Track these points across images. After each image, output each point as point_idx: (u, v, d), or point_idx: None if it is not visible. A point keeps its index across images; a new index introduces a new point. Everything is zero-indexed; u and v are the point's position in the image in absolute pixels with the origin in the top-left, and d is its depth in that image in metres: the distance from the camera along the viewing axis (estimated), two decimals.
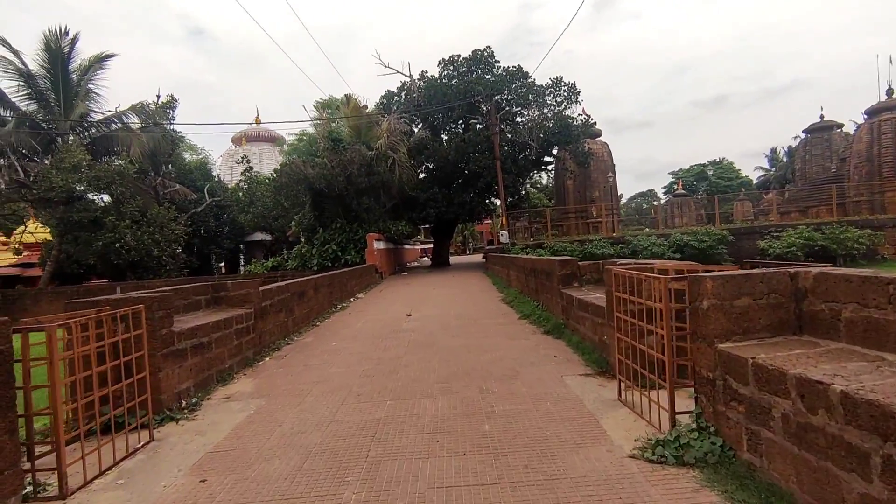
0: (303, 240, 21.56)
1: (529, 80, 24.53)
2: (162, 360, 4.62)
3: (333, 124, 21.76)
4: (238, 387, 5.52)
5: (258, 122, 42.35)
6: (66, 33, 23.34)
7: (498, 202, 30.03)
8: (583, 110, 24.29)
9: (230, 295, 6.87)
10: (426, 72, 26.18)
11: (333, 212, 20.64)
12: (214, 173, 34.89)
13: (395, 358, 6.30)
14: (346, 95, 21.78)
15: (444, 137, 25.49)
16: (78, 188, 19.56)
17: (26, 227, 26.55)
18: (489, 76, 24.46)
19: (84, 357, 3.63)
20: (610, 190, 33.07)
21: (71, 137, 24.32)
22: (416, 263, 36.33)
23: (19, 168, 19.92)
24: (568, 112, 23.65)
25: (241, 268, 29.23)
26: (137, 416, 4.00)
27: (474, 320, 8.88)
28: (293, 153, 24.04)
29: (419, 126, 24.78)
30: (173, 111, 29.11)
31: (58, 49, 23.25)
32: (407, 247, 34.71)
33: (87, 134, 24.79)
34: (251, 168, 27.52)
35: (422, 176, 26.18)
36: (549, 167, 30.80)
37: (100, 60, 24.50)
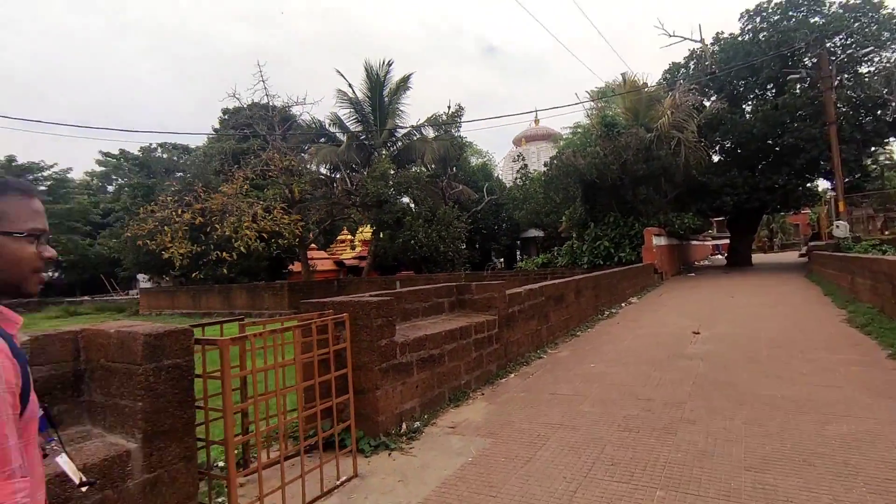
0: (573, 235, 20.40)
1: (886, 12, 17.62)
2: (380, 375, 4.03)
3: (608, 111, 19.85)
4: (469, 412, 4.64)
5: (537, 123, 43.14)
6: (390, 64, 27.76)
7: (826, 184, 22.95)
8: None
9: (474, 298, 6.14)
10: (721, 33, 21.68)
11: (606, 205, 18.83)
12: (496, 174, 36.93)
13: (674, 403, 4.48)
14: (622, 74, 19.64)
15: (747, 108, 20.59)
16: (385, 193, 22.78)
17: (361, 228, 32.91)
18: (816, 18, 18.58)
19: (309, 366, 3.19)
20: None
21: (384, 152, 28.92)
22: (706, 262, 31.11)
23: (348, 179, 24.44)
24: None
25: (516, 264, 29.90)
26: (343, 440, 3.42)
27: (801, 352, 6.12)
28: (567, 147, 23.08)
29: (712, 99, 20.60)
30: (460, 119, 31.75)
31: (376, 78, 27.83)
32: (694, 243, 29.99)
33: (394, 147, 29.13)
34: (525, 165, 27.78)
35: (715, 159, 21.85)
36: None
37: (404, 81, 28.35)
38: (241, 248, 21.80)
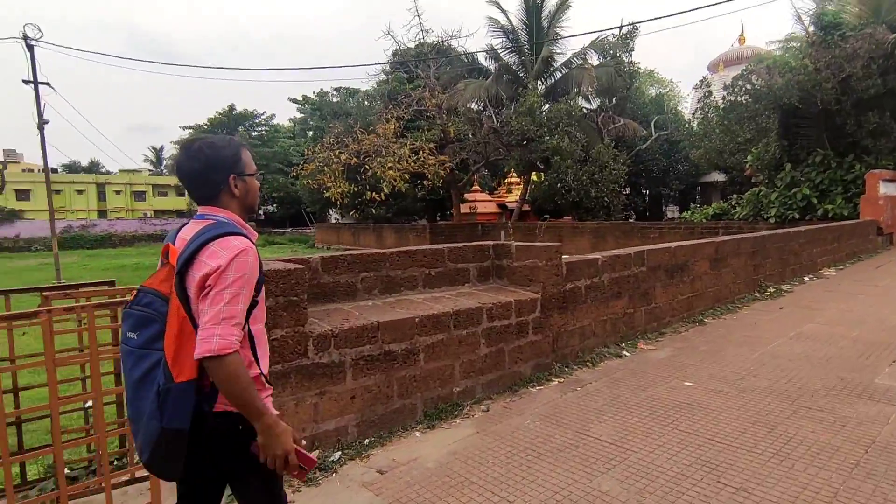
0: (762, 180, 15.94)
1: None
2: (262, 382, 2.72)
3: (830, 6, 14.38)
4: (432, 444, 3.12)
5: (742, 41, 35.21)
6: None
7: None
8: None
9: (513, 266, 4.37)
10: None
11: (812, 139, 14.03)
12: (679, 108, 31.34)
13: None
14: None
15: None
16: (531, 130, 20.59)
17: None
18: None
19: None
20: None
21: (539, 84, 26.26)
22: None
23: (494, 116, 22.72)
24: None
25: (680, 214, 25.30)
26: None
27: None
28: (769, 63, 17.81)
29: None
30: (632, 42, 27.16)
31: (532, 1, 24.94)
32: None
33: (550, 79, 26.20)
34: (710, 93, 22.61)
35: None
36: None
37: (564, 1, 24.89)
38: (385, 189, 22.01)
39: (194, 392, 1.44)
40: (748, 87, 14.67)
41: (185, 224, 1.63)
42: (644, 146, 24.10)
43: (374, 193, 23.58)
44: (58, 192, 53.86)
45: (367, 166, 22.87)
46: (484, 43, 25.43)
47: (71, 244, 38.33)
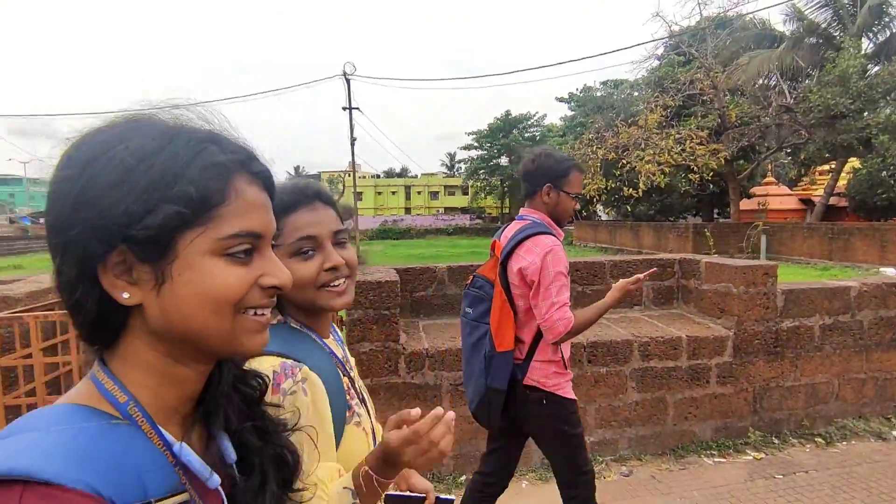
0: None
1: None
2: None
3: None
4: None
5: None
6: None
7: None
8: None
9: (701, 289, 3.41)
10: None
11: None
12: None
13: None
14: None
15: None
16: (839, 103, 15.90)
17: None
18: None
19: None
20: None
21: (866, 42, 20.12)
22: None
23: (787, 91, 18.42)
24: None
25: None
26: None
27: None
28: None
29: None
30: None
31: None
32: None
33: (882, 33, 19.70)
34: None
35: None
36: None
37: None
38: (641, 185, 20.25)
39: (511, 361, 1.82)
40: None
41: (509, 224, 1.97)
42: None
43: (630, 189, 22.01)
44: (379, 193, 67.63)
45: (624, 160, 21.45)
46: (786, 4, 20.69)
47: (383, 235, 47.02)
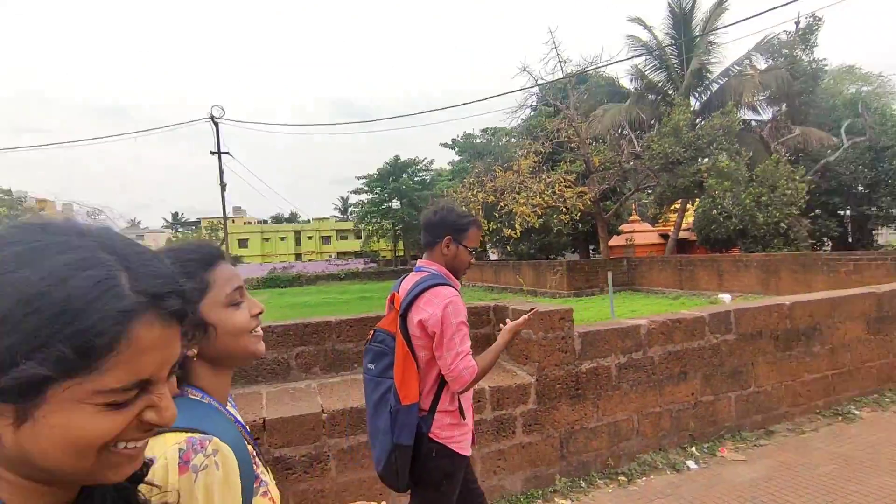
0: None
1: None
2: None
3: None
4: None
5: None
6: None
7: None
8: None
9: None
10: None
11: None
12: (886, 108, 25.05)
13: None
14: None
15: None
16: (675, 152, 18.14)
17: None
18: None
19: None
20: None
21: (693, 100, 23.37)
22: None
23: (635, 140, 20.66)
24: None
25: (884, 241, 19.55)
26: None
27: None
28: None
29: None
30: (813, 36, 22.79)
31: (680, 11, 22.57)
32: None
33: (705, 92, 23.10)
34: None
35: None
36: None
37: (720, 4, 21.97)
38: (517, 226, 21.36)
39: (416, 414, 1.79)
40: None
41: (406, 276, 1.96)
42: (832, 158, 19.51)
43: (509, 230, 23.17)
44: (267, 239, 64.55)
45: (502, 203, 22.57)
46: (629, 65, 23.53)
47: (270, 283, 44.52)
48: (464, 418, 1.87)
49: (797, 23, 23.17)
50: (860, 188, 21.83)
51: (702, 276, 18.53)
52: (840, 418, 3.86)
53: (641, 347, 3.40)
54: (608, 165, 22.53)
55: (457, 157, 47.51)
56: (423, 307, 1.79)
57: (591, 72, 25.82)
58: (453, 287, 1.87)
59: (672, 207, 31.73)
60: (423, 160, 61.21)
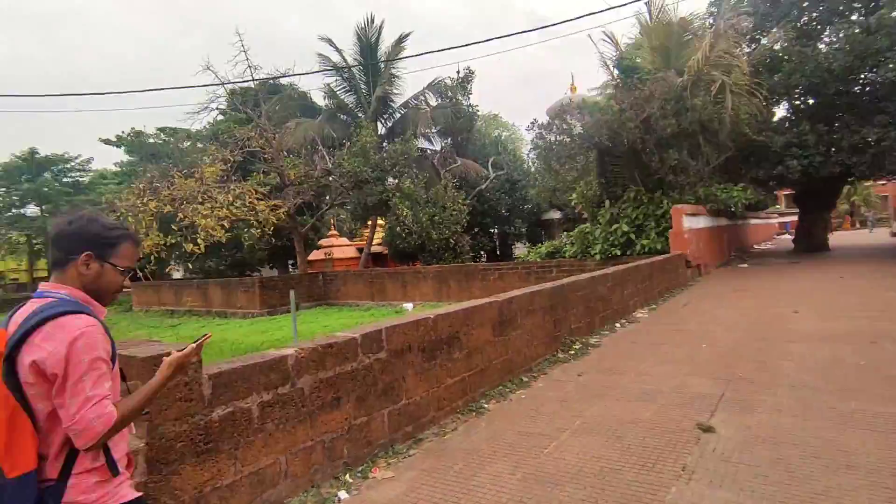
0: (587, 216, 16.18)
1: None
2: None
3: (631, 54, 15.28)
4: None
5: (573, 90, 38.20)
6: (372, 21, 23.97)
7: None
8: None
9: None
10: None
11: (626, 176, 14.44)
12: (520, 150, 32.54)
13: None
14: (645, 2, 14.84)
15: (822, 44, 15.29)
16: (364, 171, 19.25)
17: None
18: None
19: None
20: None
21: (380, 125, 25.37)
22: (768, 245, 25.71)
23: (327, 157, 21.07)
24: None
25: (516, 255, 25.69)
26: None
27: None
28: (591, 109, 18.56)
29: (772, 31, 15.40)
30: (469, 85, 27.67)
31: (367, 39, 24.16)
32: (754, 222, 24.73)
33: (390, 120, 25.48)
34: (542, 135, 23.40)
35: (780, 113, 16.77)
36: None
37: (399, 42, 24.50)
38: (200, 241, 19.07)
39: (35, 486, 1.41)
40: (564, 126, 14.86)
41: (22, 305, 1.54)
42: (483, 186, 24.11)
43: (192, 245, 20.43)
44: None
45: (181, 214, 19.75)
46: (322, 83, 23.97)
47: None
48: (116, 473, 1.52)
49: (458, 71, 27.80)
50: (503, 211, 27.50)
51: (390, 287, 20.14)
52: (474, 413, 4.36)
53: (289, 380, 3.07)
54: (303, 180, 22.37)
55: (126, 158, 40.00)
56: (41, 344, 1.41)
57: (283, 84, 25.43)
58: (92, 315, 1.50)
59: (368, 223, 33.97)
60: (75, 157, 49.52)
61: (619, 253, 13.70)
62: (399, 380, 3.85)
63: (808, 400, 4.03)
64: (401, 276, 19.91)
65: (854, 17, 14.26)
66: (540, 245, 18.62)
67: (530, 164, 25.99)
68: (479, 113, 28.90)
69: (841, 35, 13.67)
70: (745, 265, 15.08)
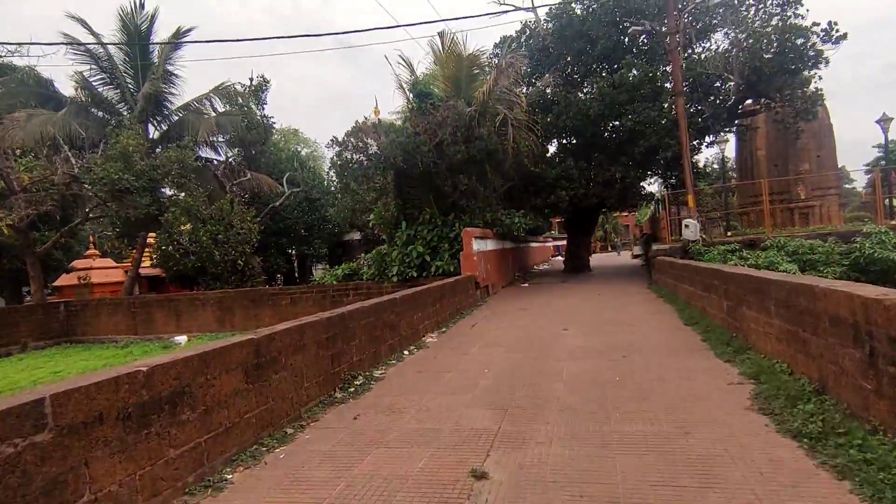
0: (385, 237, 15.95)
1: None
2: None
3: (424, 74, 15.78)
4: None
5: (377, 113, 38.43)
6: (142, 6, 20.52)
7: (656, 183, 21.47)
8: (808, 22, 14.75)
9: None
10: (554, 6, 18.92)
11: (422, 198, 14.61)
12: (326, 167, 31.35)
13: None
14: (438, 33, 15.57)
15: (584, 91, 17.90)
16: (126, 180, 16.02)
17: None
18: None
19: None
20: (823, 162, 22.30)
21: (153, 129, 21.76)
22: (546, 266, 29.13)
23: (73, 160, 17.09)
24: (790, 21, 14.53)
25: (312, 276, 24.74)
26: None
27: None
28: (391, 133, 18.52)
29: (546, 76, 17.56)
30: (264, 94, 25.70)
31: (134, 27, 20.56)
32: (534, 245, 27.73)
33: (165, 123, 22.08)
34: (340, 153, 22.73)
35: (552, 150, 19.04)
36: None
37: (178, 36, 21.46)
38: None
39: None
40: (360, 144, 14.45)
41: None
42: (278, 203, 22.41)
43: None
44: None
45: None
46: (73, 70, 19.56)
47: None
48: None
49: (251, 79, 25.63)
50: (302, 231, 25.92)
51: (159, 317, 17.05)
52: (209, 491, 3.31)
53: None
54: (43, 186, 17.77)
55: None
56: None
57: (18, 66, 20.20)
58: None
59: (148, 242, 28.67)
60: None
61: (415, 275, 13.65)
62: (79, 467, 2.63)
63: (575, 425, 3.98)
64: (174, 303, 17.02)
65: (604, 74, 16.97)
66: (337, 267, 17.77)
67: (330, 182, 25.14)
68: (275, 126, 27.06)
69: (595, 88, 16.11)
70: (527, 284, 16.49)
